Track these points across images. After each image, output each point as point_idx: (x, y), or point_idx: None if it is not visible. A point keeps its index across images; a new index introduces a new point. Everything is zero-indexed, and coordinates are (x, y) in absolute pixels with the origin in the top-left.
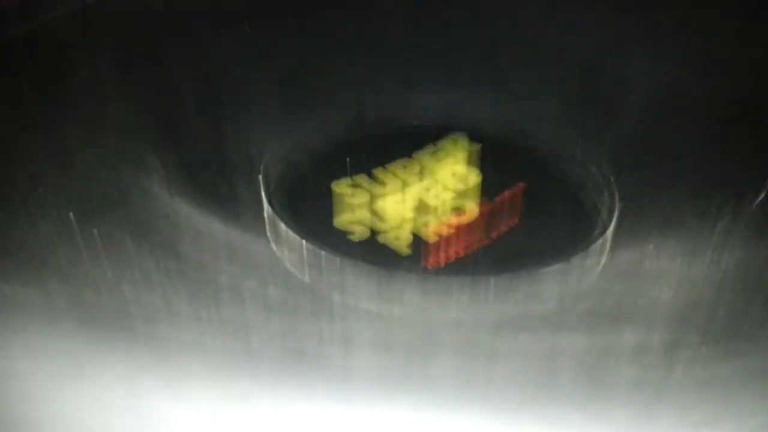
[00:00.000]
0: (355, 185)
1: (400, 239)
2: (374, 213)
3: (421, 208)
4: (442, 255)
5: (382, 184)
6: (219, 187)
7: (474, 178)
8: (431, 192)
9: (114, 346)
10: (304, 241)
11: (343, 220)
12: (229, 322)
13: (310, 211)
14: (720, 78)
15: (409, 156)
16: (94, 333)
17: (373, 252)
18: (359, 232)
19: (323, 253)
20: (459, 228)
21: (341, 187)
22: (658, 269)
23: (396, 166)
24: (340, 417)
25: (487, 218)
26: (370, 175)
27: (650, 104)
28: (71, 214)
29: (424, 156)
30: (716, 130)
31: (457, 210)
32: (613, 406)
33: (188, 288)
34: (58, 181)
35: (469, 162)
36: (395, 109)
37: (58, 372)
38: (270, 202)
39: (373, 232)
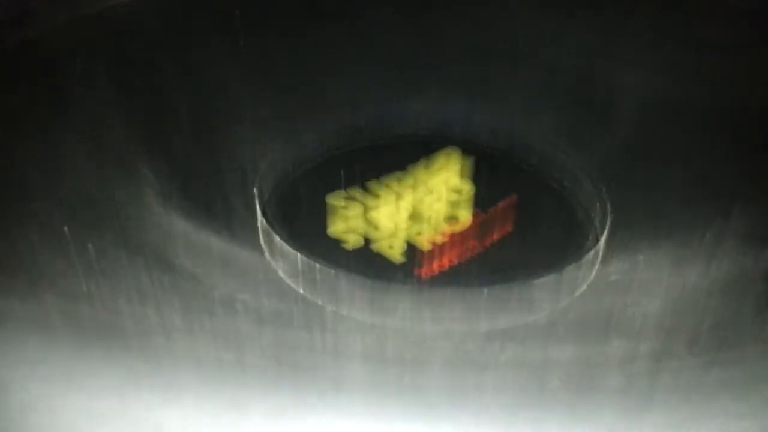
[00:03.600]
0: (349, 197)
1: (394, 248)
2: (368, 223)
3: (415, 218)
4: (435, 264)
5: (376, 196)
6: (213, 200)
7: (467, 189)
8: (425, 203)
9: (108, 358)
10: (298, 254)
11: (337, 230)
12: (224, 334)
13: (304, 224)
14: (710, 90)
15: (403, 168)
16: (89, 345)
17: (367, 263)
18: (353, 241)
19: (317, 264)
20: (452, 238)
21: (336, 200)
22: (648, 279)
23: (390, 179)
24: (332, 428)
25: (480, 229)
26: (365, 188)
27: (641, 116)
28: (66, 228)
29: (417, 168)
30: (706, 141)
31: (451, 221)
32: (601, 414)
33: (182, 300)
34: (53, 195)
35: (463, 174)
36: (389, 122)
37: (52, 383)
38: (264, 215)
39: (367, 242)
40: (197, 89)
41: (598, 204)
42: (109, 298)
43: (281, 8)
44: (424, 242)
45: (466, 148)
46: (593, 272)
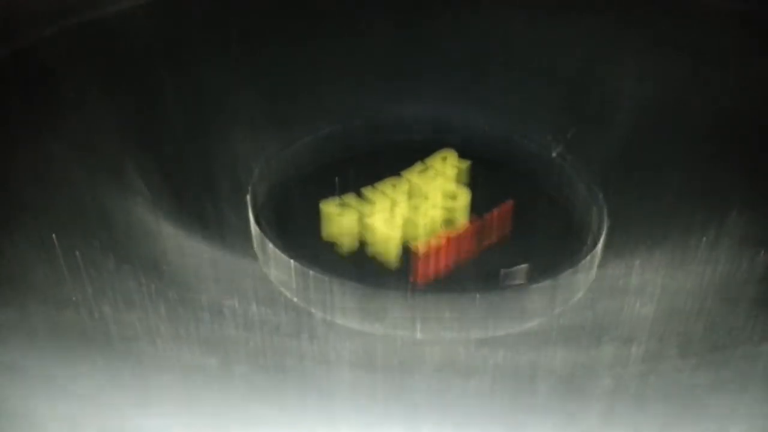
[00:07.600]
0: (343, 204)
1: (389, 253)
2: (363, 230)
3: (411, 225)
4: (431, 270)
5: (371, 203)
6: (205, 207)
7: (463, 195)
8: (420, 210)
9: (93, 367)
10: (292, 261)
11: (331, 234)
12: (217, 343)
13: (298, 231)
14: (706, 95)
15: (398, 174)
16: (73, 353)
17: (362, 269)
18: (347, 245)
19: (311, 272)
20: (448, 244)
21: (330, 207)
22: (644, 284)
23: (385, 185)
24: None
25: (476, 235)
26: (359, 195)
27: (638, 122)
28: (54, 236)
29: (413, 174)
30: (703, 146)
31: (447, 227)
32: (591, 419)
33: (171, 309)
34: (41, 202)
35: (459, 179)
36: (383, 127)
37: (35, 390)
38: (257, 222)
39: (362, 247)
40: (189, 96)
41: (594, 209)
42: (96, 307)
43: (274, 14)
44: (420, 249)
45: (462, 154)
46: (590, 277)
